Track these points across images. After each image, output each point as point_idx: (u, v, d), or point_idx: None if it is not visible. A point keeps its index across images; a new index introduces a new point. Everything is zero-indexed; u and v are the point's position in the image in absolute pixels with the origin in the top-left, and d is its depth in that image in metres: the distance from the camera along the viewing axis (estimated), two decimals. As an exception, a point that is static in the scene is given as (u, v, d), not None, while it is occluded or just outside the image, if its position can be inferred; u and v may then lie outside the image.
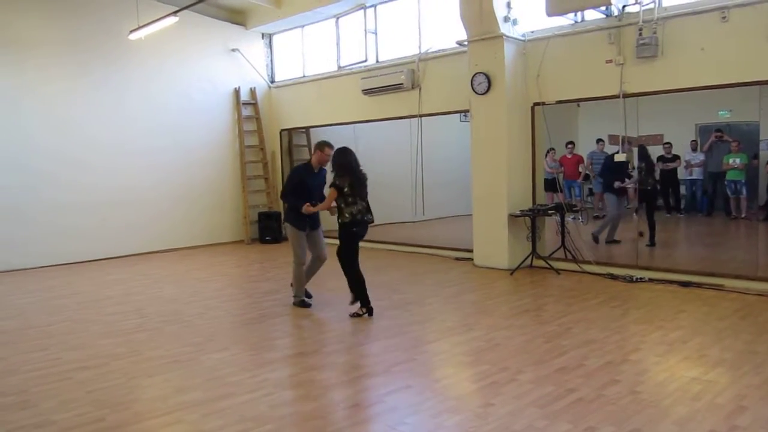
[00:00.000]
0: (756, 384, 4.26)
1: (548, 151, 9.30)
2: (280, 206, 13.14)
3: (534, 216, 8.59)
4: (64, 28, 10.41)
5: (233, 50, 12.54)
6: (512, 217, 8.64)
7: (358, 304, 6.45)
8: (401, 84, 10.29)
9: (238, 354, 5.37)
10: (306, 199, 6.51)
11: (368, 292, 6.42)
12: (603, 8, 7.86)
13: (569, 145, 10.12)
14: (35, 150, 10.05)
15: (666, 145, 9.04)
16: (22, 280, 9.10)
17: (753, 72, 6.91)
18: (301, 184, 6.68)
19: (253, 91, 12.92)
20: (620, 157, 8.48)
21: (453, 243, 9.91)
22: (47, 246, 10.17)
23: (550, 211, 8.66)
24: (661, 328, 5.70)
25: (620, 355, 4.98)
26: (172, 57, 11.64)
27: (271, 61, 13.28)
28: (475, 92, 8.81)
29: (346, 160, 6.31)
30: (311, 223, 6.79)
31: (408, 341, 5.59)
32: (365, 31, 11.08)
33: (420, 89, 10.25)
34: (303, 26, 12.40)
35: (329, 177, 6.63)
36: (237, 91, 12.64)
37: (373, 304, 6.45)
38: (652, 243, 8.70)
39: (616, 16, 7.90)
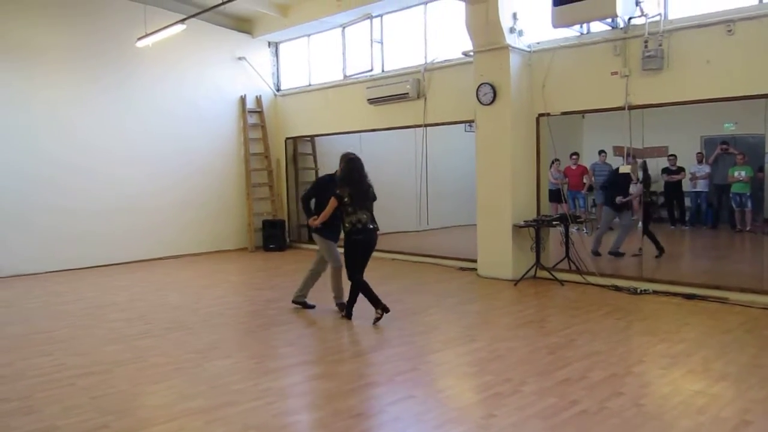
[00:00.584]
0: (761, 398, 4.24)
1: (553, 162, 9.31)
2: (284, 214, 13.21)
3: (538, 227, 8.58)
4: (72, 34, 10.48)
5: (240, 58, 12.60)
6: (516, 227, 8.64)
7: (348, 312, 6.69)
8: (407, 94, 10.32)
9: (241, 362, 5.38)
10: (319, 212, 6.72)
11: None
12: (609, 20, 7.89)
13: (574, 156, 10.13)
14: (41, 156, 10.10)
15: (671, 157, 9.04)
16: (28, 286, 9.12)
17: (759, 85, 6.92)
18: (322, 192, 6.80)
19: (258, 99, 12.97)
20: (624, 169, 8.48)
21: (457, 253, 9.91)
22: (53, 252, 10.21)
23: (554, 222, 8.66)
24: (666, 340, 5.69)
25: (624, 367, 4.97)
26: (178, 65, 11.70)
27: (278, 69, 13.34)
28: (481, 102, 8.83)
29: (347, 170, 6.44)
30: (337, 233, 6.96)
31: (411, 351, 5.59)
32: (371, 40, 11.12)
33: (425, 99, 10.27)
34: (309, 35, 12.45)
35: None
36: (243, 99, 12.69)
37: (376, 313, 6.44)
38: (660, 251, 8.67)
39: (621, 28, 7.92)
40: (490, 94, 8.70)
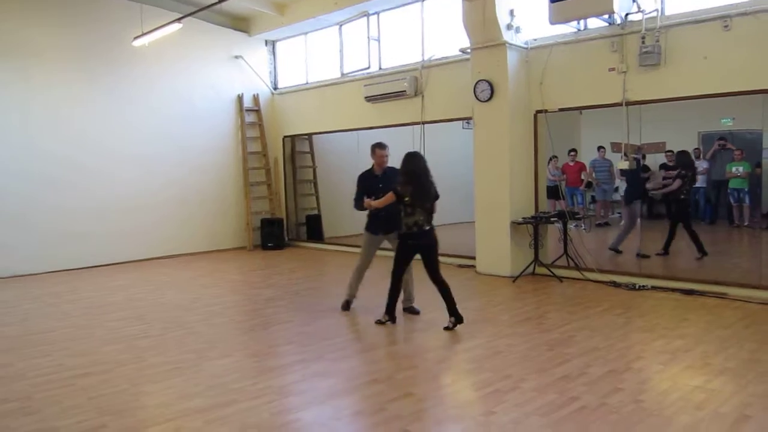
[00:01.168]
0: (760, 393, 4.25)
1: (551, 159, 9.30)
2: (282, 213, 13.20)
3: (536, 223, 8.59)
4: (69, 34, 10.46)
5: (236, 57, 12.59)
6: (515, 224, 8.65)
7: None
8: (404, 91, 10.31)
9: (240, 361, 5.37)
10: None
11: (370, 299, 6.43)
12: (606, 16, 7.88)
13: (572, 153, 10.11)
14: (39, 156, 10.10)
15: (668, 153, 9.03)
16: (26, 286, 9.11)
17: (756, 80, 6.92)
18: (365, 190, 6.65)
19: (256, 98, 12.96)
20: (623, 165, 8.48)
21: (456, 250, 9.89)
22: (51, 252, 10.20)
23: (552, 219, 8.67)
24: (664, 336, 5.69)
25: (623, 363, 4.97)
26: (175, 63, 11.69)
27: (275, 67, 13.33)
28: (478, 99, 8.83)
29: (410, 168, 6.11)
30: (386, 226, 6.68)
31: (410, 348, 5.59)
32: (368, 38, 11.11)
33: (423, 96, 10.27)
34: (306, 33, 12.44)
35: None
36: (240, 98, 12.68)
37: (376, 310, 6.45)
38: (703, 253, 8.31)
39: (618, 24, 7.92)
40: (487, 91, 8.70)
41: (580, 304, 7.09)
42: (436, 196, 6.23)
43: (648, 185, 8.86)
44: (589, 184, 10.33)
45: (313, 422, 4.03)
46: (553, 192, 9.42)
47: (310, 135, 12.95)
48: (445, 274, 6.65)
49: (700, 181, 9.08)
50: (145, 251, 11.32)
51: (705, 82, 7.29)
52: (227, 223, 12.56)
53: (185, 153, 11.85)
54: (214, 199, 12.34)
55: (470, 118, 9.18)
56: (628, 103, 7.92)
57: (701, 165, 9.03)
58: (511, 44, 8.55)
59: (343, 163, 12.31)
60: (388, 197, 6.14)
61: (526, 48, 8.77)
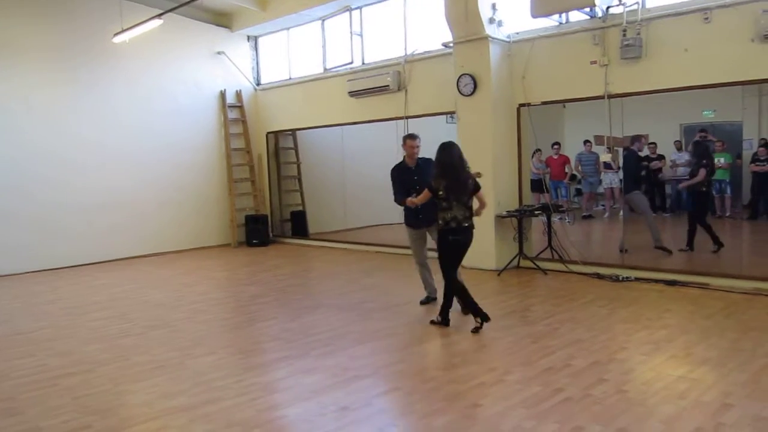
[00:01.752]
0: (742, 381, 4.30)
1: (534, 152, 9.34)
2: (267, 209, 13.14)
3: (521, 217, 8.62)
4: (49, 32, 10.34)
5: (219, 53, 12.50)
6: (499, 218, 8.66)
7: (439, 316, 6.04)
8: (387, 86, 10.29)
9: (225, 358, 5.35)
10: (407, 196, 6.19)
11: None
12: (587, 9, 7.91)
13: (555, 146, 10.18)
14: (18, 153, 9.97)
15: (651, 145, 9.10)
16: (7, 286, 9.01)
17: (735, 72, 6.98)
18: (400, 183, 6.47)
19: (239, 94, 12.88)
20: (605, 157, 8.54)
21: (440, 244, 9.91)
22: (33, 251, 10.08)
23: (536, 212, 8.70)
24: (648, 327, 5.74)
25: (607, 354, 5.01)
26: (157, 60, 11.58)
27: (257, 63, 13.25)
28: (461, 94, 8.83)
29: (443, 159, 5.78)
30: (425, 219, 6.43)
31: (396, 343, 5.60)
32: (351, 33, 11.07)
33: (406, 91, 10.26)
34: (289, 29, 12.37)
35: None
36: (223, 94, 12.60)
37: (361, 306, 6.44)
38: (719, 245, 8.20)
39: (600, 18, 7.95)
40: (470, 85, 8.70)
41: (564, 296, 7.13)
42: (476, 188, 5.89)
43: (661, 176, 8.79)
44: (573, 177, 10.40)
45: (298, 418, 4.02)
46: (537, 185, 9.47)
47: (293, 131, 12.89)
48: (431, 268, 6.70)
49: (682, 173, 9.17)
50: (128, 249, 11.23)
51: (686, 75, 7.34)
52: (211, 221, 12.49)
53: (168, 150, 11.75)
54: (198, 196, 12.26)
55: (454, 113, 9.19)
56: (611, 96, 7.96)
57: (683, 157, 9.12)
58: (493, 38, 8.56)
59: (327, 158, 12.29)
60: (425, 194, 5.86)
61: (509, 42, 8.78)
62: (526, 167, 9.13)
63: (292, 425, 3.95)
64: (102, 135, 10.91)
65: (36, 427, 3.97)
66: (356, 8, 10.94)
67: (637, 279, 7.72)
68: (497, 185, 8.70)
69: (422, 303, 6.88)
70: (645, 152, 8.99)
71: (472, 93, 8.72)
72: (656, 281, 7.54)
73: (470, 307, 5.89)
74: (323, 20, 11.55)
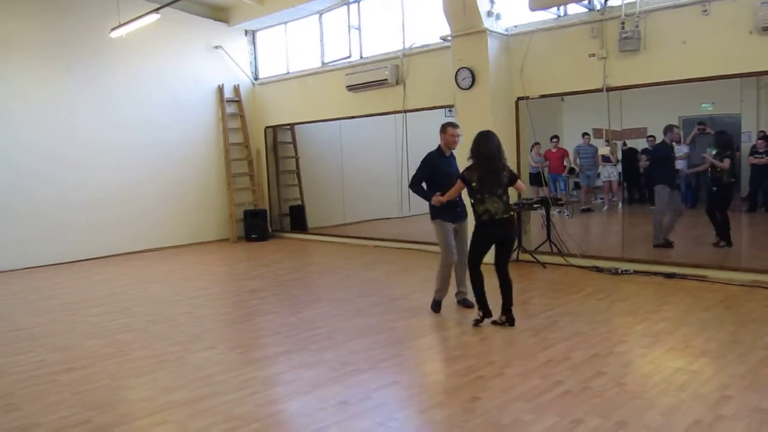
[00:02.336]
0: (740, 373, 4.30)
1: (533, 146, 9.33)
2: (266, 204, 13.12)
3: (519, 210, 8.61)
4: (46, 28, 10.29)
5: (216, 47, 12.46)
6: (498, 211, 8.64)
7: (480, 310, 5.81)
8: (385, 80, 10.27)
9: (224, 353, 5.35)
10: (438, 189, 5.94)
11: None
12: (585, 2, 7.90)
13: (554, 139, 10.17)
14: (16, 149, 9.94)
15: (650, 138, 9.10)
16: (6, 282, 9.00)
17: (734, 65, 6.97)
18: (435, 173, 6.14)
19: (237, 89, 12.85)
20: (604, 151, 8.53)
21: (439, 238, 9.92)
22: (31, 247, 10.06)
23: (535, 205, 8.70)
24: (647, 319, 5.75)
25: (606, 347, 5.01)
26: (155, 55, 11.54)
27: (255, 57, 13.21)
28: (460, 87, 8.82)
29: (481, 149, 5.51)
30: (465, 211, 6.18)
31: (395, 337, 5.60)
32: (349, 27, 11.04)
33: (404, 85, 10.24)
34: (286, 23, 12.33)
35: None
36: (221, 89, 12.57)
37: (360, 300, 6.43)
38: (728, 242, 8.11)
39: (598, 10, 7.94)
40: (468, 78, 8.69)
41: (564, 289, 7.13)
42: (512, 180, 5.66)
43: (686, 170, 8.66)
44: (571, 170, 10.40)
45: (298, 412, 4.02)
46: (536, 178, 9.46)
47: (292, 125, 12.87)
48: (430, 262, 6.68)
49: (681, 166, 9.17)
50: (126, 245, 11.21)
51: (684, 67, 7.33)
52: (210, 215, 12.48)
53: (166, 145, 11.73)
54: (197, 191, 12.24)
55: (452, 106, 9.17)
56: (609, 89, 7.95)
57: (681, 150, 9.11)
58: (491, 31, 8.54)
59: (326, 153, 12.27)
60: (457, 187, 5.71)
61: (507, 35, 8.76)
62: (525, 160, 9.12)
63: (292, 419, 3.95)
64: (99, 130, 10.88)
65: (35, 422, 3.97)
66: (354, 2, 10.91)
67: (636, 272, 7.73)
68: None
69: (463, 305, 6.39)
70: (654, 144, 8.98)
71: (471, 86, 8.70)
72: (655, 274, 7.55)
73: (479, 302, 5.76)
74: (321, 14, 11.52)
